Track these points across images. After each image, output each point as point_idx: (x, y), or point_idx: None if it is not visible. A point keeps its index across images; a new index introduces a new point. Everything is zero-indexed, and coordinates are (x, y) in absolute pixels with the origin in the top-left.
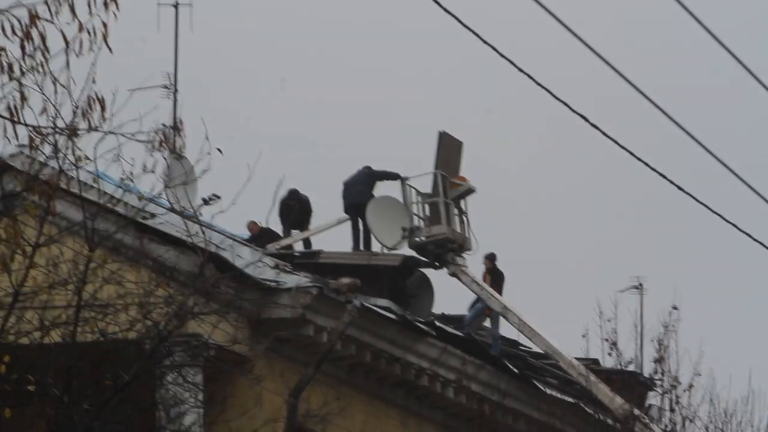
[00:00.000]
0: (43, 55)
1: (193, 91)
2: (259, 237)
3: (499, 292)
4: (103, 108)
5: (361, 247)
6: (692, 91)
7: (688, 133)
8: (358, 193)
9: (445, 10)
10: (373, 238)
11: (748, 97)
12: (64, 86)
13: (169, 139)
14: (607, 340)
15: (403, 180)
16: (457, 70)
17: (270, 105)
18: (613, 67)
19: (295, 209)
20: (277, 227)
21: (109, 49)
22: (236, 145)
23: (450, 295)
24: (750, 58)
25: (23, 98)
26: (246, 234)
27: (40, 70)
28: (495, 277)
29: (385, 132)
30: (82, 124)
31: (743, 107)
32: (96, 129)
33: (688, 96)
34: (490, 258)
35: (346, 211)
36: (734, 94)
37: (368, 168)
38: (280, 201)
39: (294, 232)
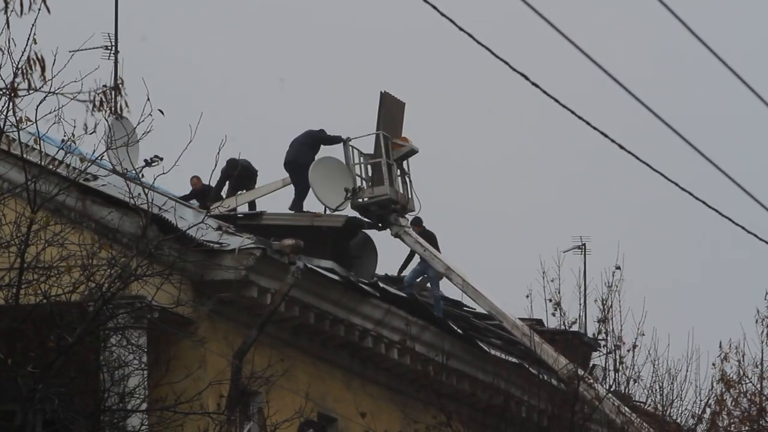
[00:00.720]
0: None
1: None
2: (201, 192)
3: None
4: (42, 68)
5: (290, 205)
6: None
7: (624, 88)
8: (297, 151)
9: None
10: (306, 197)
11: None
12: (1, 49)
13: (110, 99)
14: (550, 300)
15: (346, 141)
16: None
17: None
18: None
19: (237, 175)
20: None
21: (47, 8)
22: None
23: (393, 257)
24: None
25: None
26: (188, 189)
27: None
28: (427, 239)
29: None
30: (23, 85)
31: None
32: (37, 89)
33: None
34: (417, 222)
35: (285, 166)
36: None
37: (321, 131)
38: (221, 173)
39: (240, 193)
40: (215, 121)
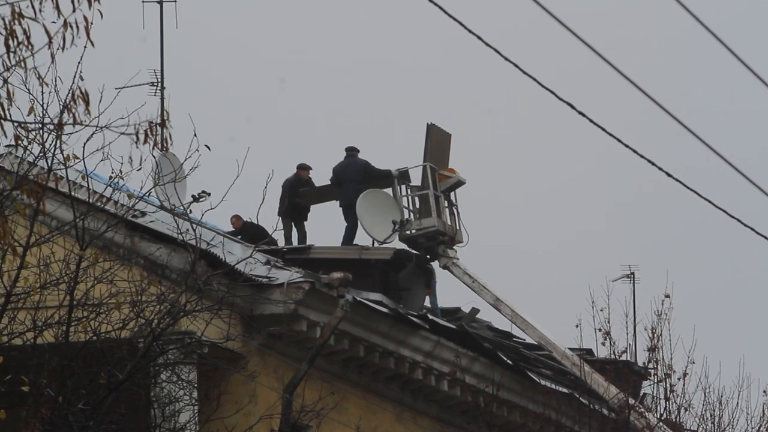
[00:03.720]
0: (29, 50)
1: (185, 88)
2: (242, 231)
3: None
4: (87, 102)
5: (342, 241)
6: (688, 81)
7: (675, 119)
8: (353, 194)
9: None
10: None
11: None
12: (47, 83)
13: (156, 132)
14: (600, 329)
15: (395, 176)
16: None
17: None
18: (608, 62)
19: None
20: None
21: (92, 43)
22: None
23: (442, 288)
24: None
25: (9, 96)
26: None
27: (23, 65)
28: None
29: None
30: (67, 119)
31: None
32: (81, 123)
33: (682, 85)
34: None
35: (343, 209)
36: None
37: (358, 158)
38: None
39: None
40: (215, 121)
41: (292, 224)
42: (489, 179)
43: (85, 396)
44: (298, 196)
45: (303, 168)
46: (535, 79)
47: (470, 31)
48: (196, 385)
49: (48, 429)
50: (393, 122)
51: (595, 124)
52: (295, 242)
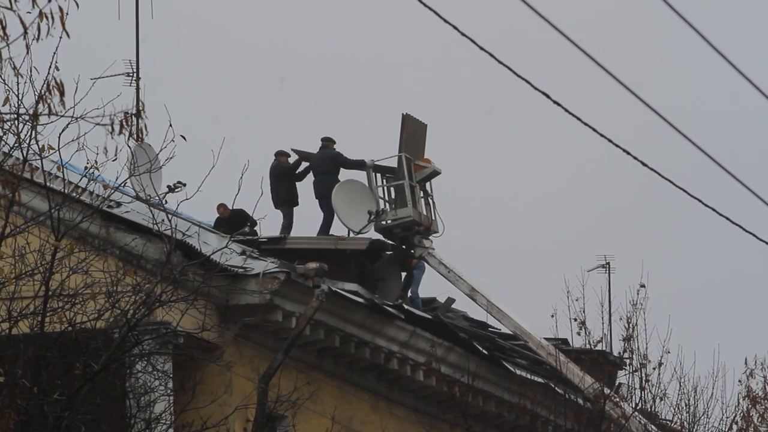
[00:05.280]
0: (4, 41)
1: (160, 78)
2: (230, 219)
3: None
4: (62, 93)
5: (318, 231)
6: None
7: (648, 106)
8: (325, 185)
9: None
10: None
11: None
12: (22, 74)
13: (131, 123)
14: (575, 319)
15: (369, 167)
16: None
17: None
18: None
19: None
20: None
21: (67, 34)
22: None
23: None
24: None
25: None
26: (214, 217)
27: None
28: None
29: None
30: (43, 110)
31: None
32: (56, 113)
33: (650, 72)
34: None
35: (318, 201)
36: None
37: (330, 149)
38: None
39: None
40: (215, 122)
41: (292, 211)
42: (463, 169)
43: (60, 386)
44: (284, 181)
45: (281, 154)
46: (527, 81)
47: (463, 34)
48: (171, 376)
49: (23, 419)
50: (392, 120)
51: (583, 122)
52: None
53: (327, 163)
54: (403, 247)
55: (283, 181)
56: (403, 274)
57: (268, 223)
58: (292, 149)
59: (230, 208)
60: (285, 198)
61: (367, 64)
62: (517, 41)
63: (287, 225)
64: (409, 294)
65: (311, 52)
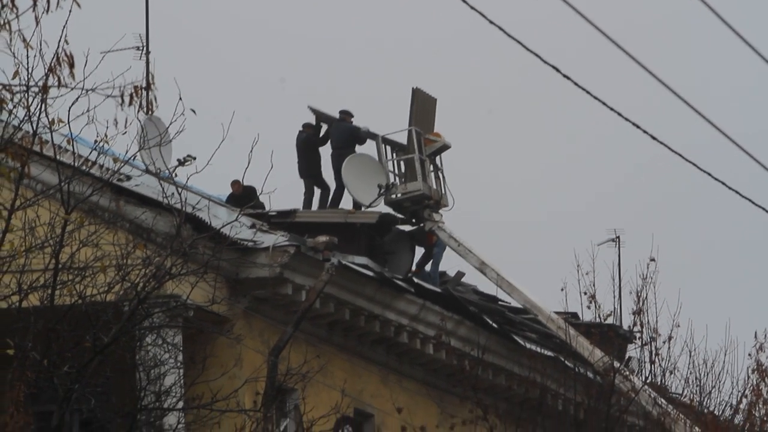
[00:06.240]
0: (13, 12)
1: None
2: (243, 196)
3: None
4: (71, 65)
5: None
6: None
7: (655, 77)
8: (338, 157)
9: None
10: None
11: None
12: (32, 47)
13: (141, 96)
14: (585, 293)
15: (379, 137)
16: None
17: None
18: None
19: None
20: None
21: (78, 4)
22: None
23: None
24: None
25: None
26: (224, 191)
27: (8, 28)
28: None
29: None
30: (52, 83)
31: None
32: (66, 86)
33: (665, 45)
34: None
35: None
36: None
37: (349, 124)
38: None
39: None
40: (225, 97)
41: (313, 185)
42: (473, 144)
43: (70, 359)
44: (313, 151)
45: (308, 126)
46: (537, 55)
47: (472, 8)
48: (181, 349)
49: (33, 392)
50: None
51: (593, 96)
52: (317, 200)
53: (344, 137)
54: (421, 225)
55: (306, 153)
56: (420, 251)
57: (283, 195)
58: (309, 107)
59: (244, 184)
60: (307, 171)
61: (369, 63)
62: (528, 14)
63: (308, 198)
64: (428, 270)
65: (311, 51)
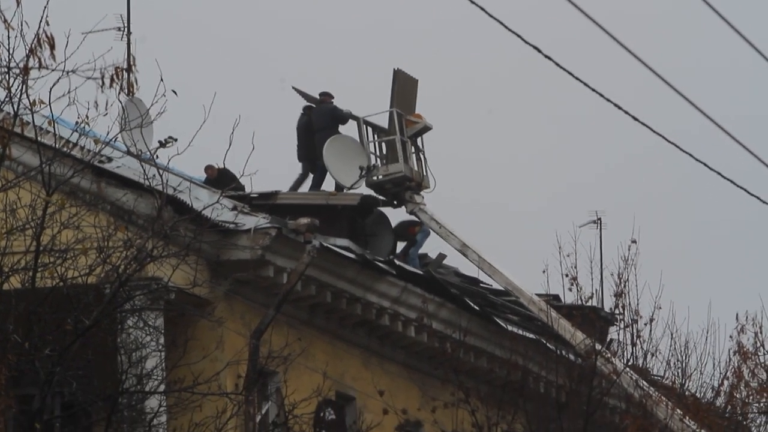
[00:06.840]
0: None
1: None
2: (218, 180)
3: None
4: (52, 47)
5: (310, 187)
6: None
7: (643, 63)
8: (321, 140)
9: None
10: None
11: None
12: (12, 27)
13: (122, 77)
14: (567, 275)
15: (360, 119)
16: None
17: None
18: None
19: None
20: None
21: None
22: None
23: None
24: None
25: None
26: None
27: None
28: None
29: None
30: (33, 64)
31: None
32: (47, 67)
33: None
34: None
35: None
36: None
37: (329, 104)
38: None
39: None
40: (207, 78)
41: (309, 169)
42: (456, 125)
43: (51, 342)
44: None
45: (309, 108)
46: (519, 35)
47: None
48: (162, 331)
49: (14, 375)
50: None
51: (575, 77)
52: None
53: (326, 118)
54: (402, 221)
55: (306, 136)
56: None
57: (263, 177)
58: (293, 87)
59: (218, 167)
60: (305, 155)
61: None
62: (519, 2)
63: (299, 181)
64: (409, 254)
65: (311, 51)
